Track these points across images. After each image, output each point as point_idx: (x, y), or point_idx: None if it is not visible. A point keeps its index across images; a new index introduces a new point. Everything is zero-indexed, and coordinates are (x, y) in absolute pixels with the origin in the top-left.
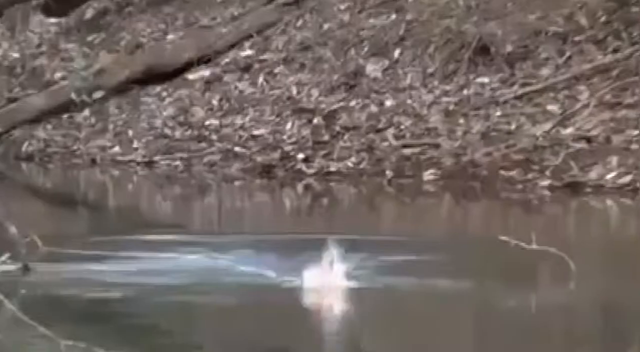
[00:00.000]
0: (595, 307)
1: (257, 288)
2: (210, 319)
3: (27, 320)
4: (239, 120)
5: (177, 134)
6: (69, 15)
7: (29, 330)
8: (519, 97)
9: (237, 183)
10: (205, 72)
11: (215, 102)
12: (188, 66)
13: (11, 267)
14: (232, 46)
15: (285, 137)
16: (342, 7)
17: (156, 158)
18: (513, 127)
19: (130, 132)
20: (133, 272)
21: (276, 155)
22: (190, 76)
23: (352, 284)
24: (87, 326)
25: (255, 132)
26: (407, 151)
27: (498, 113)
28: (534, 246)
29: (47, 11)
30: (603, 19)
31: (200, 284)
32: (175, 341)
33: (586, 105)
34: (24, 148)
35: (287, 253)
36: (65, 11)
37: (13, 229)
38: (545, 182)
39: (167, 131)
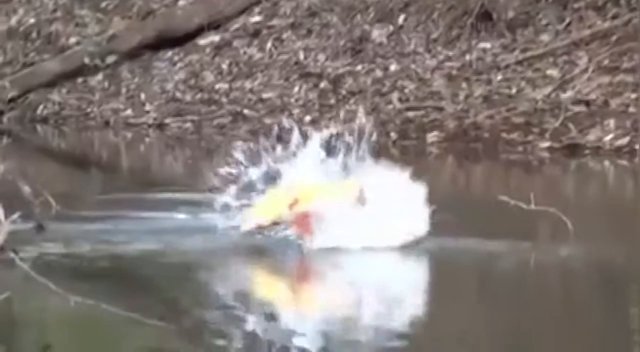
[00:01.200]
0: (589, 262)
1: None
2: (201, 276)
3: (39, 278)
4: (248, 84)
5: (188, 97)
6: None
7: (41, 287)
8: (519, 62)
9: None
10: (215, 37)
11: (225, 66)
12: (198, 32)
13: (24, 226)
14: (241, 12)
15: (292, 100)
16: None
17: (167, 120)
18: (514, 91)
19: (143, 96)
20: (140, 231)
21: (284, 117)
22: (201, 41)
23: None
24: (96, 283)
25: (264, 96)
26: (411, 114)
27: (499, 77)
28: (533, 207)
29: None
30: None
31: (198, 242)
32: (174, 296)
33: (585, 70)
34: (39, 111)
35: None
36: None
37: (27, 189)
38: (545, 144)
39: (178, 95)
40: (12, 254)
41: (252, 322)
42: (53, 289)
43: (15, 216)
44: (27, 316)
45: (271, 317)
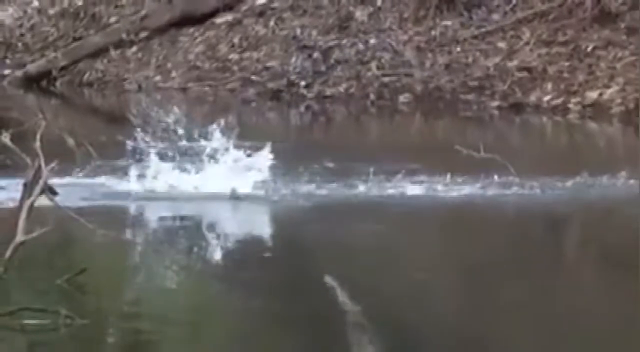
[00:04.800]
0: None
1: None
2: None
3: (73, 215)
4: (255, 55)
5: (206, 66)
6: None
7: (74, 223)
8: (475, 37)
9: (253, 104)
10: (228, 17)
11: (236, 40)
12: (215, 12)
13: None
14: None
15: (291, 68)
16: None
17: (189, 85)
18: (470, 60)
19: (169, 65)
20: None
21: (284, 82)
22: (217, 20)
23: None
24: (120, 222)
25: (268, 64)
26: (386, 79)
27: (458, 49)
28: (482, 154)
29: None
30: None
31: None
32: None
33: (527, 43)
34: (85, 77)
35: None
36: None
37: (71, 141)
38: (495, 104)
39: (198, 63)
40: (51, 196)
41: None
42: (84, 223)
43: (53, 164)
44: (63, 246)
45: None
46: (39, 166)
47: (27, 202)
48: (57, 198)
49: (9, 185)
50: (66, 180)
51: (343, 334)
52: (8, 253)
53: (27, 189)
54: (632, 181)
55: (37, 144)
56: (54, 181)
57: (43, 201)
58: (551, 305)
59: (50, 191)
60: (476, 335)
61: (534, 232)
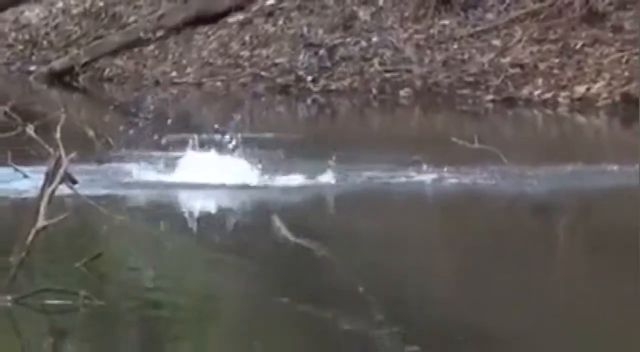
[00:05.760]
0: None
1: None
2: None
3: (90, 202)
4: (264, 52)
5: (219, 62)
6: None
7: (91, 209)
8: (471, 35)
9: (263, 98)
10: (239, 16)
11: (247, 38)
12: (227, 12)
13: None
14: None
15: (298, 64)
16: None
17: (203, 80)
18: (466, 57)
19: (184, 61)
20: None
21: (291, 77)
22: (229, 19)
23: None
24: (136, 208)
25: (277, 61)
26: (388, 75)
27: (455, 46)
28: (477, 145)
29: None
30: None
31: None
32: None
33: (520, 41)
34: (106, 73)
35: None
36: None
37: (91, 133)
38: (489, 98)
39: (212, 60)
40: (70, 184)
41: None
42: (102, 210)
43: (72, 154)
44: (81, 231)
45: None
46: (60, 156)
47: (48, 190)
48: (76, 186)
49: (32, 174)
50: (86, 169)
51: (345, 317)
52: (30, 238)
53: (49, 177)
54: (620, 169)
55: (58, 135)
56: (75, 169)
57: (63, 189)
58: (547, 289)
59: (70, 179)
60: (472, 317)
61: (528, 218)
